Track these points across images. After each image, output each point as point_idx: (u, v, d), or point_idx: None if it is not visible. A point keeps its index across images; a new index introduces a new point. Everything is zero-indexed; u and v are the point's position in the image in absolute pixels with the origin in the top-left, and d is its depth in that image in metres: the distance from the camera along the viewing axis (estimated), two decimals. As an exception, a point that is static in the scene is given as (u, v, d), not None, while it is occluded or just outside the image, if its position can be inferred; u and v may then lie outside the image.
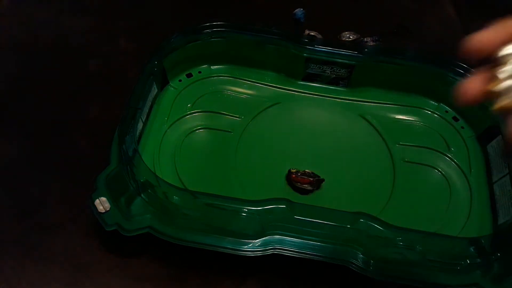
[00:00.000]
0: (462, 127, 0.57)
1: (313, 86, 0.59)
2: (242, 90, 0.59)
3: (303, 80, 0.59)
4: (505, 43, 0.25)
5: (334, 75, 0.58)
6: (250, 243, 0.42)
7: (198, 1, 0.71)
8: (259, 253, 0.41)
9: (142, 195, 0.44)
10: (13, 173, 0.51)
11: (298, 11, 0.68)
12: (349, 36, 0.66)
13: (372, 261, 0.41)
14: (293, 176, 0.50)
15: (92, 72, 0.61)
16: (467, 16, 0.72)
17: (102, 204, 0.43)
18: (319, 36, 0.64)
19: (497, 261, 0.41)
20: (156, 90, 0.55)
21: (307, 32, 0.65)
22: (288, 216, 0.42)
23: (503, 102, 0.25)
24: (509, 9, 0.74)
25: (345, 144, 0.55)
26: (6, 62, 0.61)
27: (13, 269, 0.45)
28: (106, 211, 0.43)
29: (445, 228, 0.48)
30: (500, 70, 0.25)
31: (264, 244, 0.42)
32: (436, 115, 0.58)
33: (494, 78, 0.25)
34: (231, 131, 0.55)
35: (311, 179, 0.50)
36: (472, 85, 0.26)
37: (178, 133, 0.54)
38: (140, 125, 0.50)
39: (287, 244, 0.42)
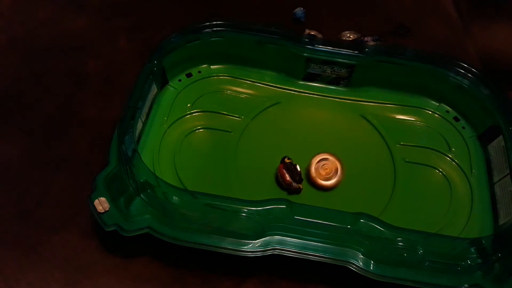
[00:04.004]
0: (463, 127, 0.57)
1: (313, 86, 0.59)
2: (242, 90, 0.59)
3: (303, 80, 0.59)
4: None
5: (335, 75, 0.58)
6: (250, 243, 0.42)
7: (198, 0, 0.71)
8: (259, 254, 0.41)
9: (142, 195, 0.44)
10: (12, 173, 0.51)
11: (298, 10, 0.68)
12: (349, 36, 0.66)
13: (372, 262, 0.41)
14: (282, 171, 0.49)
15: (92, 72, 0.60)
16: (468, 16, 0.72)
17: (101, 204, 0.43)
18: (319, 35, 0.64)
19: (498, 261, 0.41)
20: (155, 90, 0.55)
21: (307, 31, 0.65)
22: (288, 216, 0.42)
23: None
24: (509, 9, 0.74)
25: (345, 144, 0.55)
26: (6, 62, 0.61)
27: (12, 269, 0.45)
28: (106, 211, 0.42)
29: (446, 229, 0.48)
30: None
31: (264, 244, 0.42)
32: (437, 115, 0.58)
33: None
34: (231, 131, 0.55)
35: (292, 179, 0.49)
36: None
37: (178, 133, 0.54)
38: (139, 125, 0.50)
39: (287, 244, 0.42)
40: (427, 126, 0.57)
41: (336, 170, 0.50)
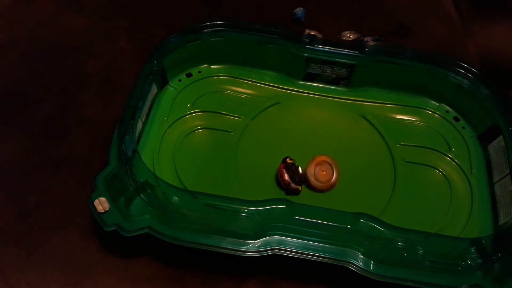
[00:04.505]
0: (463, 127, 0.57)
1: (313, 86, 0.59)
2: (242, 90, 0.59)
3: (303, 79, 0.59)
4: None
5: (335, 75, 0.58)
6: (250, 243, 0.42)
7: (198, 0, 0.71)
8: (259, 254, 0.41)
9: (142, 195, 0.44)
10: (12, 173, 0.51)
11: (298, 10, 0.68)
12: (349, 36, 0.66)
13: (372, 262, 0.41)
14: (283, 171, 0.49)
15: (92, 72, 0.60)
16: (468, 16, 0.72)
17: (101, 204, 0.43)
18: (319, 35, 0.64)
19: (498, 261, 0.41)
20: (155, 90, 0.55)
21: (307, 31, 0.65)
22: (288, 216, 0.42)
23: None
24: (509, 9, 0.75)
25: (345, 144, 0.55)
26: (6, 61, 0.61)
27: (12, 269, 0.45)
28: (106, 212, 0.42)
29: (446, 229, 0.48)
30: None
31: (264, 244, 0.41)
32: (437, 115, 0.58)
33: None
34: (231, 131, 0.55)
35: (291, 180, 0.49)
36: None
37: (178, 133, 0.54)
38: (139, 125, 0.50)
39: (287, 244, 0.42)
40: (427, 126, 0.57)
41: (332, 172, 0.50)
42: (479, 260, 0.41)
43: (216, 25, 0.56)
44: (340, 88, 0.59)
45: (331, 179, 0.50)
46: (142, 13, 0.69)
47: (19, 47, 0.63)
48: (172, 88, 0.58)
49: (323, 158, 0.51)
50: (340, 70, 0.57)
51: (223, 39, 0.57)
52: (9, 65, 0.61)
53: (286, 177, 0.49)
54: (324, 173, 0.50)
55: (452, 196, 0.51)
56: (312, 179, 0.50)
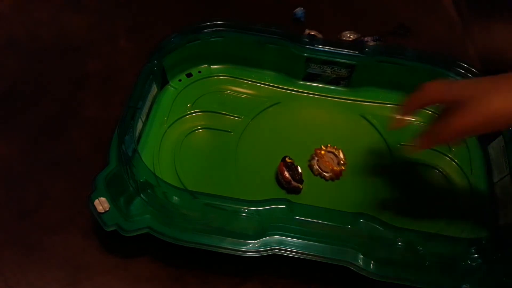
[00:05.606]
0: (463, 127, 0.56)
1: (313, 86, 0.59)
2: (242, 90, 0.59)
3: (303, 80, 0.59)
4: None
5: (335, 75, 0.58)
6: (250, 243, 0.42)
7: (198, 0, 0.71)
8: (259, 254, 0.41)
9: (142, 195, 0.44)
10: (12, 173, 0.51)
11: (298, 10, 0.68)
12: (349, 36, 0.66)
13: (372, 262, 0.41)
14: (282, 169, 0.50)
15: (92, 72, 0.60)
16: (468, 16, 0.72)
17: (101, 204, 0.42)
18: (319, 35, 0.64)
19: (498, 261, 0.41)
20: (155, 90, 0.55)
21: (307, 31, 0.65)
22: (288, 216, 0.42)
23: None
24: (509, 9, 0.74)
25: (345, 144, 0.55)
26: (6, 61, 0.61)
27: (13, 269, 0.45)
28: (106, 211, 0.42)
29: (445, 229, 0.48)
30: None
31: (264, 244, 0.41)
32: (437, 115, 0.57)
33: None
34: (231, 131, 0.55)
35: (292, 178, 0.49)
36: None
37: (178, 133, 0.54)
38: (139, 125, 0.50)
39: (287, 244, 0.42)
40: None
41: (337, 161, 0.52)
42: (479, 260, 0.41)
43: (216, 25, 0.56)
44: (340, 88, 0.59)
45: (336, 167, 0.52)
46: (142, 13, 0.69)
47: (19, 47, 0.63)
48: (172, 88, 0.58)
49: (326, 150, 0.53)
50: (340, 70, 0.57)
51: (223, 39, 0.57)
52: (9, 65, 0.61)
53: (287, 174, 0.49)
54: (327, 163, 0.52)
55: (452, 196, 0.51)
56: (317, 169, 0.52)
